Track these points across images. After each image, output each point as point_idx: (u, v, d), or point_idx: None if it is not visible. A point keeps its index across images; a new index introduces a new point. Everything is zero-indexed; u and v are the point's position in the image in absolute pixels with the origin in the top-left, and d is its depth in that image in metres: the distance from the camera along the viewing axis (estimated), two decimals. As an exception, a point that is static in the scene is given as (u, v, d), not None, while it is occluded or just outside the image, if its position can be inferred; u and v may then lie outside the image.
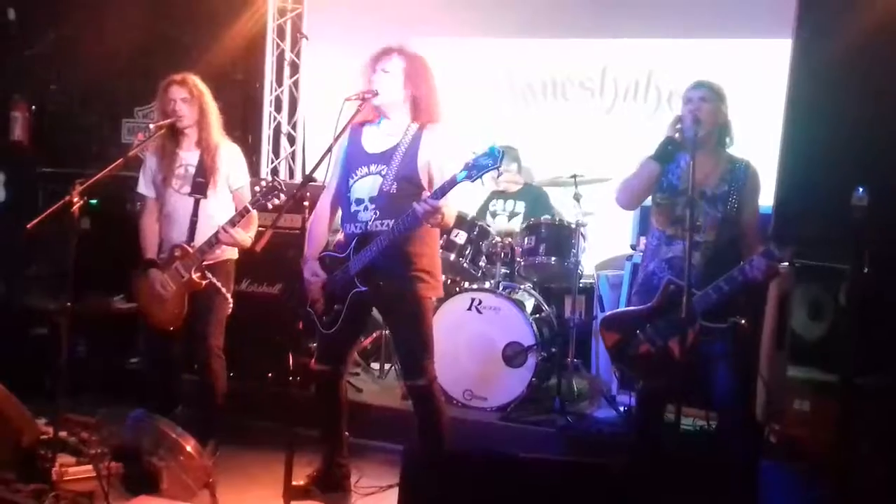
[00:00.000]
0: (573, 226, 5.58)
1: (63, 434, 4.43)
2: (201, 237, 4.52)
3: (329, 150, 3.88)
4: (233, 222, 4.45)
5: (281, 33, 7.40)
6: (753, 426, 4.45)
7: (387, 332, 5.85)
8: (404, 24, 6.61)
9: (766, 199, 4.75)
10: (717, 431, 4.31)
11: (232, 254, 4.70)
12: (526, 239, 5.73)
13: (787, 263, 3.81)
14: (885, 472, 4.06)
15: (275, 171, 7.38)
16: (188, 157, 4.64)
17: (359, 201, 4.04)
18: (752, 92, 5.85)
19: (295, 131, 7.49)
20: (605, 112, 6.75)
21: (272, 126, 7.46)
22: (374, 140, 4.10)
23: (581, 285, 5.72)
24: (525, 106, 6.96)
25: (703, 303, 3.79)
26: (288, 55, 7.41)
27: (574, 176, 5.69)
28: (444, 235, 5.54)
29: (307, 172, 4.03)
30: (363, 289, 3.96)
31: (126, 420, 4.15)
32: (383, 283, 3.97)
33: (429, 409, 4.10)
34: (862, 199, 3.85)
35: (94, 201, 4.37)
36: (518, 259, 5.78)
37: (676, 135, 3.93)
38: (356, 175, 4.07)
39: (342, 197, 4.14)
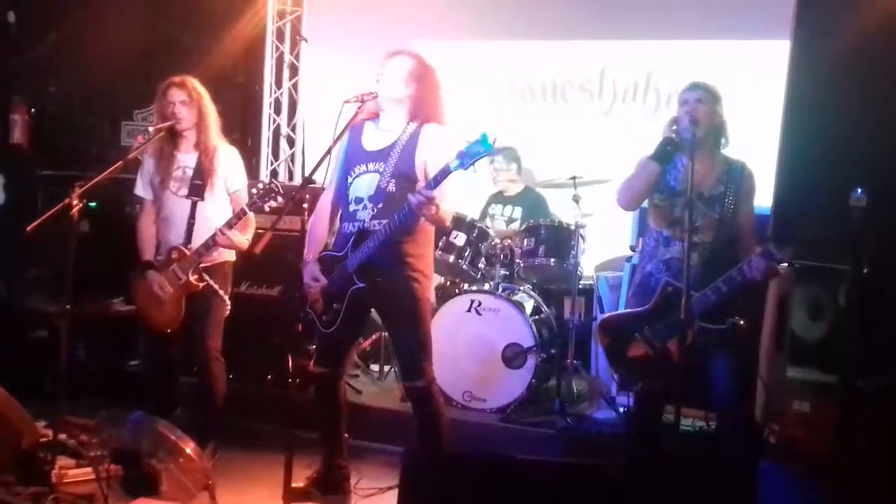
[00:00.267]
0: (572, 227, 5.58)
1: (63, 436, 4.43)
2: (198, 239, 4.52)
3: (328, 151, 3.89)
4: (230, 224, 4.45)
5: (280, 36, 7.41)
6: (753, 427, 4.45)
7: (386, 333, 5.85)
8: (403, 27, 6.63)
9: (765, 199, 4.77)
10: (717, 432, 4.31)
11: (229, 256, 4.70)
12: (525, 240, 5.73)
13: (786, 264, 3.81)
14: (885, 473, 4.06)
15: (274, 174, 7.39)
16: (186, 159, 4.64)
17: (357, 200, 4.05)
18: (750, 93, 5.86)
19: (294, 133, 7.49)
20: (604, 114, 6.75)
21: (272, 128, 7.47)
22: (373, 138, 4.11)
23: (580, 287, 5.72)
24: (524, 108, 6.96)
25: (702, 304, 3.79)
26: (287, 57, 7.42)
27: (573, 177, 5.69)
28: (444, 237, 5.55)
29: (306, 174, 4.03)
30: (361, 285, 3.97)
31: (125, 422, 4.15)
32: (381, 280, 3.97)
33: (428, 411, 4.10)
34: (861, 200, 3.86)
35: (93, 204, 4.37)
36: (517, 260, 5.78)
37: (674, 135, 3.93)
38: (354, 173, 4.07)
39: (341, 196, 4.14)
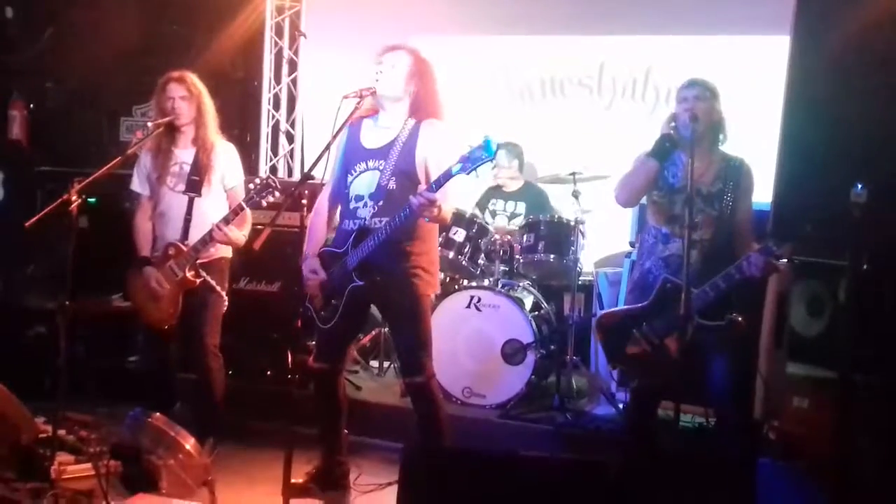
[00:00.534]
0: (572, 223, 5.58)
1: (62, 432, 4.43)
2: (195, 235, 4.52)
3: (327, 147, 3.87)
4: (227, 220, 4.45)
5: (279, 31, 7.40)
6: (752, 424, 4.46)
7: (385, 329, 5.85)
8: (402, 22, 6.62)
9: (765, 195, 4.76)
10: (716, 429, 4.31)
11: (226, 252, 4.69)
12: (525, 236, 5.72)
13: (785, 260, 3.81)
14: (885, 469, 4.06)
15: (273, 169, 7.38)
16: (183, 154, 4.64)
17: (358, 198, 4.04)
18: (750, 88, 5.86)
19: (293, 129, 7.49)
20: (604, 109, 6.75)
21: (271, 124, 7.46)
22: (372, 135, 4.10)
23: (580, 283, 5.72)
24: (523, 103, 6.96)
25: (701, 300, 3.79)
26: (286, 53, 7.41)
27: (573, 173, 5.68)
28: (443, 233, 5.54)
29: (305, 170, 4.03)
30: (360, 283, 3.96)
31: (125, 418, 4.15)
32: (380, 278, 3.97)
33: (427, 406, 4.10)
34: (860, 196, 3.86)
35: (92, 200, 4.36)
36: (517, 256, 5.78)
37: (672, 132, 3.93)
38: (355, 171, 4.07)
39: (341, 193, 4.14)
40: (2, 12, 7.17)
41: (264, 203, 4.35)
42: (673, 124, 3.94)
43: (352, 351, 4.53)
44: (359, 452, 4.72)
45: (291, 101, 7.48)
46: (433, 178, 3.88)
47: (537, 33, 6.82)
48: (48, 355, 5.33)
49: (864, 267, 4.14)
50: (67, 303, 4.27)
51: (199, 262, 4.54)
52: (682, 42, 6.43)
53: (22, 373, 4.91)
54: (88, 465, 4.26)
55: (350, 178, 4.08)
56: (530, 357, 5.30)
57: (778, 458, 4.38)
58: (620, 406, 5.21)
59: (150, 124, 4.64)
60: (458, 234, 5.62)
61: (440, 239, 5.46)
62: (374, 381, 5.96)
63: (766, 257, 3.68)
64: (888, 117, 4.58)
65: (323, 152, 3.85)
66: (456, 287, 5.70)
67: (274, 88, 7.44)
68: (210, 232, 4.46)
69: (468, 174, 3.66)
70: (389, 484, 4.33)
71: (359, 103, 3.96)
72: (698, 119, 3.85)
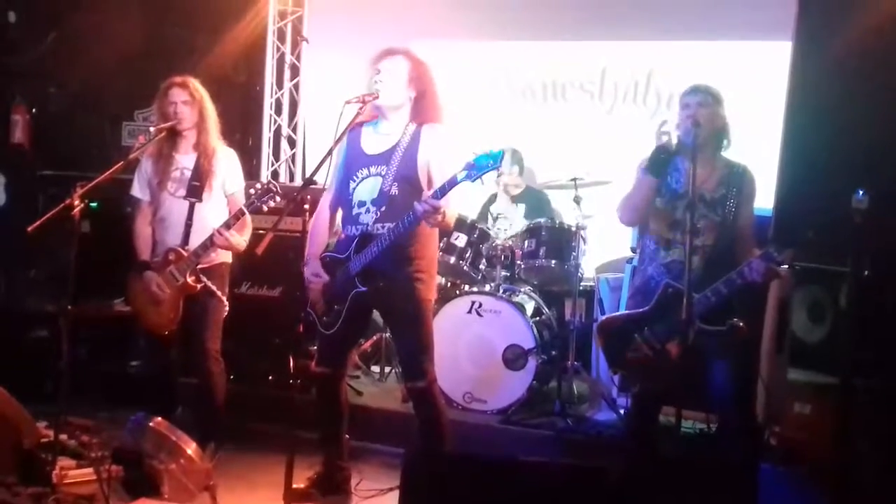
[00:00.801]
0: (573, 228, 5.57)
1: (63, 437, 4.43)
2: (196, 241, 4.53)
3: (329, 152, 3.88)
4: (227, 225, 4.45)
5: (281, 36, 7.41)
6: (753, 429, 4.45)
7: (387, 334, 5.85)
8: (404, 27, 6.62)
9: (766, 201, 4.76)
10: (717, 434, 4.31)
11: (226, 257, 4.70)
12: (526, 242, 5.72)
13: (787, 266, 3.81)
14: (885, 475, 4.05)
15: (275, 174, 7.38)
16: (184, 160, 4.64)
17: (360, 203, 4.04)
18: (752, 94, 5.86)
19: (295, 134, 7.49)
20: (605, 114, 6.75)
21: (272, 129, 7.46)
22: (373, 141, 4.10)
23: (581, 288, 5.71)
24: (525, 108, 6.96)
25: (702, 306, 3.79)
26: (288, 58, 7.42)
27: (574, 179, 5.68)
28: (444, 238, 5.54)
29: (307, 175, 4.03)
30: (363, 289, 3.97)
31: (126, 423, 4.15)
32: (383, 284, 3.97)
33: (429, 411, 4.11)
34: (862, 202, 3.86)
35: (94, 204, 4.37)
36: (518, 262, 5.78)
37: (664, 138, 3.92)
38: (357, 178, 4.07)
39: (343, 199, 4.14)
40: (4, 16, 7.18)
41: (265, 208, 4.36)
42: (666, 133, 3.93)
43: (353, 356, 4.53)
44: (360, 457, 4.71)
45: (293, 105, 7.49)
46: (436, 182, 3.88)
47: (539, 38, 6.82)
48: (50, 359, 5.38)
49: (866, 273, 4.13)
50: (69, 307, 4.27)
51: (199, 267, 4.54)
52: (683, 47, 6.43)
53: (23, 377, 4.92)
54: (90, 469, 4.27)
55: (353, 184, 4.07)
56: (531, 362, 5.30)
57: (779, 463, 4.39)
58: (621, 411, 5.20)
59: (152, 129, 4.65)
60: (460, 240, 5.63)
61: (441, 244, 5.49)
62: (376, 386, 5.96)
63: (768, 263, 3.69)
64: (890, 123, 4.58)
65: (325, 157, 3.86)
66: (457, 292, 5.70)
67: (276, 93, 7.44)
68: (211, 237, 4.46)
69: (473, 181, 3.66)
70: (391, 489, 4.33)
71: (361, 109, 3.97)
72: (700, 125, 3.85)
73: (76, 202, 4.15)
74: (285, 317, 5.37)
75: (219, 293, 4.62)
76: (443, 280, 6.02)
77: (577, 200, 5.64)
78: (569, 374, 5.57)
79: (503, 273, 5.74)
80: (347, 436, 4.36)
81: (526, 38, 6.86)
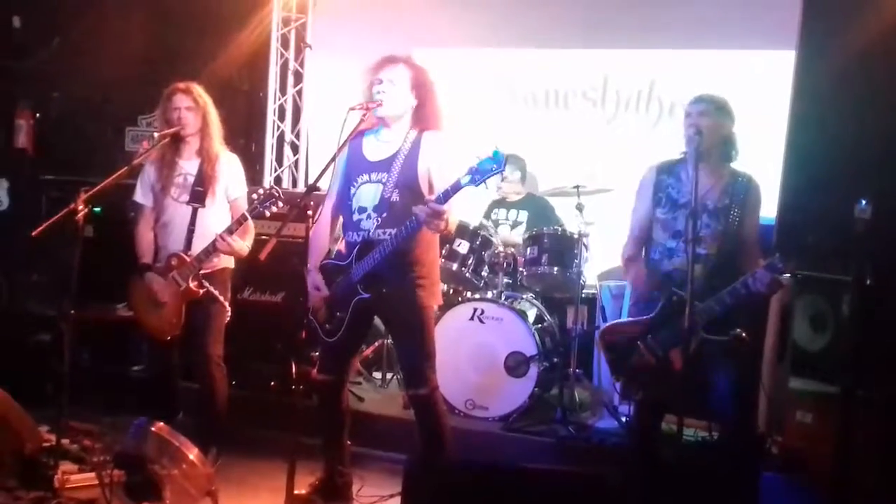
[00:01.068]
0: (575, 236, 5.57)
1: (65, 441, 4.42)
2: (198, 246, 4.53)
3: (333, 158, 3.89)
4: (230, 230, 4.46)
5: (285, 43, 7.42)
6: (755, 438, 4.45)
7: (389, 341, 5.85)
8: (407, 35, 6.63)
9: (769, 210, 4.77)
10: (719, 443, 4.30)
11: (228, 262, 4.70)
12: (528, 249, 5.73)
13: (789, 275, 3.81)
14: (887, 484, 4.05)
15: (278, 180, 7.39)
16: (188, 165, 4.65)
17: (361, 209, 4.05)
18: (754, 103, 5.85)
19: (298, 140, 7.50)
20: (607, 122, 6.75)
21: (276, 135, 7.47)
22: (374, 148, 4.11)
23: (583, 295, 5.71)
24: (527, 116, 6.96)
25: (706, 315, 3.79)
26: (292, 64, 7.43)
27: (576, 186, 5.69)
28: (447, 245, 5.55)
29: (310, 181, 4.04)
30: (366, 296, 3.97)
31: (128, 428, 4.15)
32: (386, 290, 3.97)
33: (430, 418, 4.10)
34: (865, 211, 3.87)
35: (97, 209, 4.39)
36: (520, 269, 5.78)
37: None
38: (357, 183, 4.08)
39: (343, 205, 4.15)
40: (9, 21, 7.21)
41: (267, 213, 4.36)
42: None
43: (355, 362, 4.53)
44: (362, 464, 4.71)
45: (296, 112, 7.50)
46: (437, 188, 3.88)
47: (541, 46, 6.83)
48: (52, 363, 5.37)
49: (868, 282, 4.14)
50: (72, 311, 4.28)
51: (202, 272, 4.55)
52: (686, 56, 6.44)
53: (25, 381, 4.93)
54: (92, 474, 4.26)
55: (353, 189, 4.08)
56: (533, 370, 5.30)
57: (781, 471, 4.38)
58: (623, 419, 5.19)
59: (156, 134, 4.66)
60: (462, 246, 5.63)
61: (444, 251, 5.50)
62: (378, 393, 5.96)
63: (773, 274, 3.68)
64: (893, 132, 4.59)
65: (329, 163, 3.87)
66: (459, 299, 5.71)
67: (279, 99, 7.45)
68: (214, 242, 4.46)
69: (477, 186, 3.66)
70: (392, 496, 4.33)
71: (364, 115, 3.97)
72: (702, 134, 3.86)
73: (80, 207, 4.15)
74: (287, 322, 5.37)
75: (221, 298, 4.62)
76: (445, 287, 6.02)
77: (579, 208, 5.64)
78: (570, 381, 5.56)
79: (505, 280, 5.75)
80: (349, 442, 4.36)
81: (528, 46, 6.87)
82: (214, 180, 4.62)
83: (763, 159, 5.21)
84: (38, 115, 7.20)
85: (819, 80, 4.92)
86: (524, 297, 5.84)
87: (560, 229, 5.80)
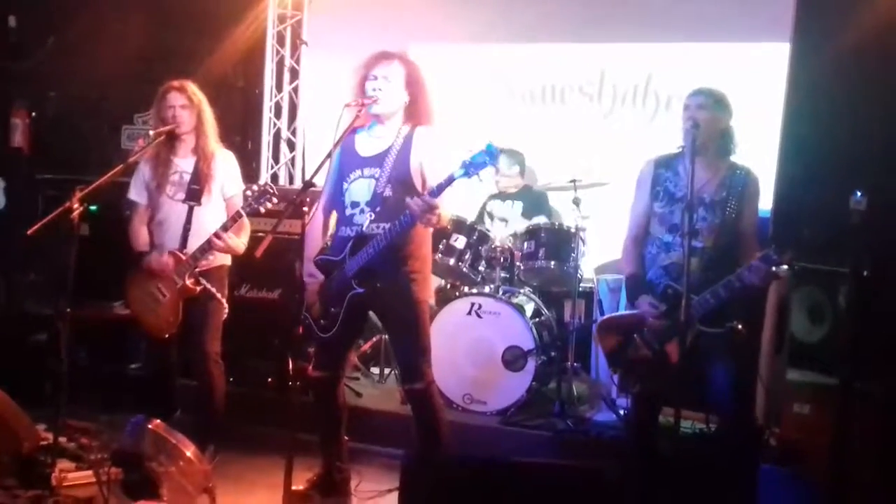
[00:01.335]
0: (573, 230, 5.57)
1: (63, 440, 4.44)
2: (194, 244, 4.52)
3: (329, 155, 3.90)
4: (225, 227, 4.46)
5: (281, 40, 7.42)
6: (753, 430, 4.45)
7: (386, 336, 5.85)
8: (404, 31, 6.63)
9: (765, 202, 4.77)
10: (717, 435, 4.30)
11: (225, 259, 4.70)
12: (525, 243, 5.73)
13: (786, 267, 3.81)
14: (885, 476, 4.05)
15: (274, 177, 7.39)
16: (183, 163, 4.65)
17: (354, 204, 4.05)
18: (750, 95, 5.84)
19: (295, 137, 7.50)
20: (604, 117, 6.74)
21: (272, 132, 7.47)
22: (367, 144, 4.11)
23: (581, 289, 5.71)
24: (524, 111, 6.95)
25: (702, 307, 3.79)
26: (288, 61, 7.43)
27: (573, 180, 5.68)
28: (444, 240, 5.55)
29: (307, 178, 4.04)
30: (360, 290, 3.97)
31: (126, 425, 4.15)
32: (380, 285, 3.97)
33: (427, 413, 4.10)
34: (860, 203, 3.86)
35: (93, 207, 4.38)
36: (518, 263, 5.78)
37: None
38: (350, 179, 4.08)
39: (337, 201, 4.15)
40: (5, 20, 7.19)
41: (262, 210, 4.36)
42: None
43: (352, 357, 4.53)
44: (359, 459, 4.71)
45: (293, 109, 7.50)
46: (429, 182, 3.89)
47: (538, 41, 6.83)
48: (49, 362, 5.36)
49: (865, 273, 4.14)
50: (68, 310, 4.27)
51: (198, 269, 4.55)
52: (682, 49, 6.43)
53: (23, 380, 4.92)
54: (89, 472, 4.27)
55: (346, 185, 4.09)
56: (531, 364, 5.30)
57: (778, 463, 4.38)
58: (621, 412, 5.20)
59: (151, 132, 4.65)
60: (459, 241, 5.62)
61: (441, 246, 5.50)
62: (375, 388, 5.96)
63: (767, 266, 3.67)
64: (888, 123, 4.59)
65: (324, 160, 3.88)
66: (457, 294, 5.70)
67: (275, 97, 7.45)
68: (209, 240, 4.46)
69: (470, 178, 3.66)
70: (390, 491, 4.34)
71: (359, 111, 3.98)
72: (699, 126, 3.85)
73: (75, 205, 4.15)
74: (284, 319, 5.37)
75: (218, 295, 4.62)
76: (442, 282, 6.02)
77: (576, 202, 5.64)
78: (568, 375, 5.56)
79: (502, 274, 5.74)
80: (347, 437, 4.36)
81: (525, 41, 6.86)
82: (210, 178, 4.62)
83: (758, 152, 5.22)
84: (34, 114, 7.19)
85: (814, 72, 4.92)
86: (521, 291, 5.83)
87: (557, 223, 5.80)
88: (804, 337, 4.72)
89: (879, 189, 4.04)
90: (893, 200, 4.28)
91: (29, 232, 4.21)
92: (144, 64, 6.94)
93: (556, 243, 5.63)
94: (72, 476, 4.26)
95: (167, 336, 4.61)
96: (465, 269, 5.63)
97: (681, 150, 3.99)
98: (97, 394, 5.41)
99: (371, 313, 4.32)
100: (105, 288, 5.63)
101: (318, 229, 4.22)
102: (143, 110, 7.04)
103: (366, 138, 4.12)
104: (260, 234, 4.58)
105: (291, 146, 7.52)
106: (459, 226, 5.62)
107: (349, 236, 4.03)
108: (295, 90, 7.48)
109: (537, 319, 5.66)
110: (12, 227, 6.13)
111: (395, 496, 3.50)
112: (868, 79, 4.73)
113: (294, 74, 7.47)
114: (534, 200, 6.27)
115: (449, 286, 6.05)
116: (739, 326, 3.82)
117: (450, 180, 3.69)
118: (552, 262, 5.59)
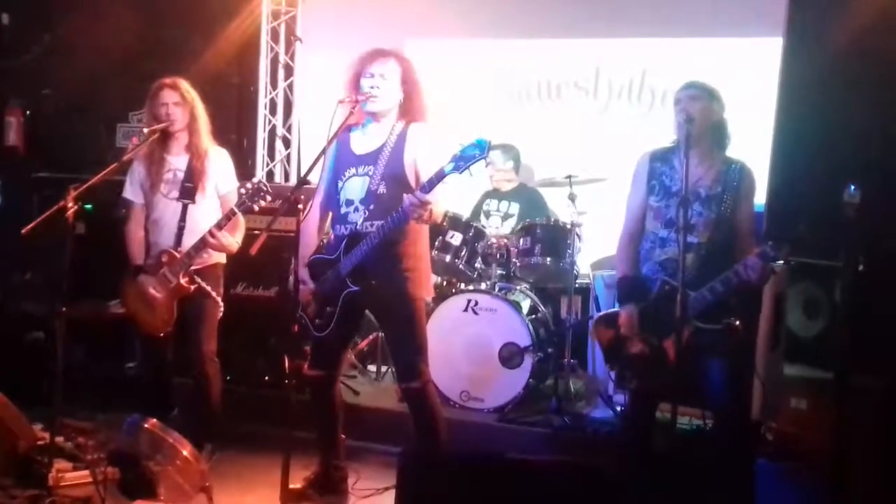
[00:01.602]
0: (568, 226, 5.57)
1: (59, 439, 4.43)
2: (189, 242, 4.51)
3: (323, 152, 3.89)
4: (219, 225, 4.44)
5: (275, 36, 7.41)
6: (749, 425, 4.46)
7: (382, 334, 5.84)
8: (398, 26, 6.63)
9: (759, 197, 4.77)
10: (714, 430, 4.31)
11: (220, 258, 4.69)
12: (521, 240, 5.72)
13: (782, 262, 3.80)
14: (881, 471, 4.06)
15: (270, 175, 7.38)
16: (177, 161, 4.63)
17: (348, 202, 4.05)
18: (744, 90, 5.85)
19: (290, 134, 7.49)
20: (600, 112, 6.74)
21: (267, 129, 7.46)
22: (361, 141, 4.11)
23: (577, 285, 5.71)
24: (520, 106, 6.95)
25: (698, 303, 3.78)
26: (282, 58, 7.42)
27: (569, 176, 5.68)
28: (440, 237, 5.55)
29: (302, 175, 4.03)
30: (355, 289, 3.97)
31: (122, 425, 4.15)
32: (375, 282, 3.97)
33: (424, 411, 4.10)
34: (854, 197, 3.86)
35: (88, 206, 4.37)
36: (514, 260, 5.78)
37: None
38: (344, 177, 4.08)
39: (332, 199, 4.15)
40: (-2, 18, 7.19)
41: (256, 208, 4.35)
42: None
43: (349, 355, 4.53)
44: (357, 457, 4.71)
45: (288, 105, 7.49)
46: (423, 178, 3.88)
47: (533, 37, 6.82)
48: (46, 361, 5.35)
49: (860, 268, 4.14)
50: (64, 309, 4.26)
51: (193, 268, 4.54)
52: (677, 44, 6.43)
53: (19, 379, 4.92)
54: (86, 471, 4.25)
55: (340, 183, 4.09)
56: (528, 360, 5.30)
57: (775, 458, 4.39)
58: (618, 408, 5.20)
59: (145, 130, 4.63)
60: (455, 238, 5.62)
61: (437, 243, 5.49)
62: (372, 386, 5.96)
63: (764, 262, 3.66)
64: (881, 117, 4.59)
65: (319, 157, 3.87)
66: (453, 291, 5.71)
67: (270, 93, 7.44)
68: (204, 238, 4.45)
69: (461, 173, 3.66)
70: (387, 488, 4.32)
71: (353, 108, 3.97)
72: (693, 120, 3.83)
73: (70, 204, 4.14)
74: (281, 317, 5.36)
75: (213, 294, 4.61)
76: (438, 279, 6.01)
77: (571, 198, 5.64)
78: (565, 371, 5.57)
79: (499, 271, 5.74)
80: (344, 435, 4.36)
81: (520, 37, 6.86)
82: (204, 176, 4.60)
83: (752, 146, 5.21)
84: (28, 112, 7.17)
85: (807, 67, 4.92)
86: (518, 287, 5.83)
87: (553, 219, 5.80)
88: (800, 332, 4.73)
89: (873, 182, 4.04)
90: (887, 194, 4.28)
91: (24, 231, 4.21)
92: (139, 61, 6.91)
93: (552, 240, 5.63)
94: (69, 476, 4.25)
95: (163, 335, 4.60)
96: (461, 266, 5.63)
97: (675, 143, 3.98)
98: (94, 393, 5.40)
99: (368, 311, 4.31)
100: (101, 287, 5.62)
101: (313, 227, 4.21)
102: (139, 108, 6.93)
103: (360, 136, 4.12)
104: (255, 231, 4.57)
105: (287, 143, 7.51)
106: (455, 222, 5.61)
107: (344, 235, 4.03)
108: (290, 87, 7.47)
109: (534, 316, 5.66)
110: (8, 226, 6.10)
111: (392, 494, 3.49)
112: (861, 72, 4.73)
113: (289, 71, 7.46)
114: (530, 201, 6.25)
115: (445, 283, 6.05)
116: (736, 323, 3.82)
117: (440, 175, 3.69)
118: (548, 259, 5.59)
